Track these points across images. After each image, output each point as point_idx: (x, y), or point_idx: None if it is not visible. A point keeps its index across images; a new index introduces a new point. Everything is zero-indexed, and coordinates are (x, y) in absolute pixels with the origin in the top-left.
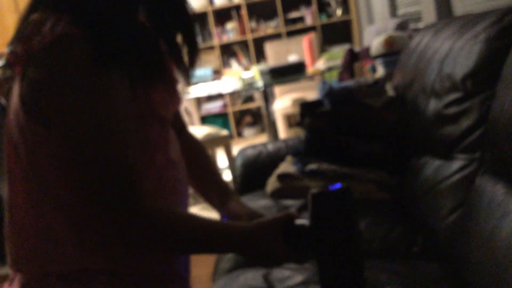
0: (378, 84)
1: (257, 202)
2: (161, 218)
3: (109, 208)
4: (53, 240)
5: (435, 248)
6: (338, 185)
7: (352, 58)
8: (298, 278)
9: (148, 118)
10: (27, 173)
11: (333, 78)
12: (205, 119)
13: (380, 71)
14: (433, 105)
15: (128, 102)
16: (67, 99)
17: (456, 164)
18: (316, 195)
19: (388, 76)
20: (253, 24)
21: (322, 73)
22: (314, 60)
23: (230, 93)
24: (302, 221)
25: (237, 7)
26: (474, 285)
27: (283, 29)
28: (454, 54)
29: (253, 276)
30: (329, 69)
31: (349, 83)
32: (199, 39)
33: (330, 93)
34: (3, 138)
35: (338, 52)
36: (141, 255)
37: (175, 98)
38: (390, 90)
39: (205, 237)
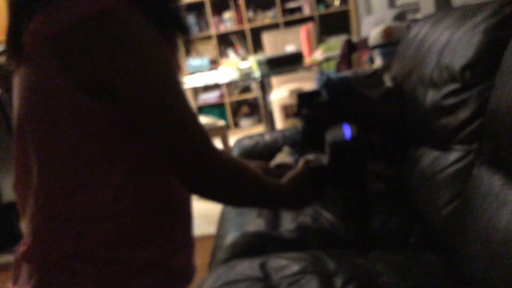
0: (376, 75)
1: None
2: (234, 167)
3: (193, 163)
4: (90, 223)
5: (431, 238)
6: (348, 128)
7: (350, 48)
8: (295, 267)
9: None
10: (71, 154)
11: (330, 69)
12: (202, 110)
13: (378, 62)
14: (431, 96)
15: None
16: (139, 60)
17: (454, 155)
18: (334, 143)
19: (386, 67)
20: (251, 13)
21: (319, 63)
22: (311, 50)
23: (227, 83)
24: (314, 161)
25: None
26: (471, 276)
27: (280, 19)
28: (453, 44)
29: (250, 265)
30: (327, 59)
31: (347, 73)
32: (196, 28)
33: (328, 84)
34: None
35: (336, 43)
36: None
37: (180, 67)
38: (388, 81)
39: (264, 189)
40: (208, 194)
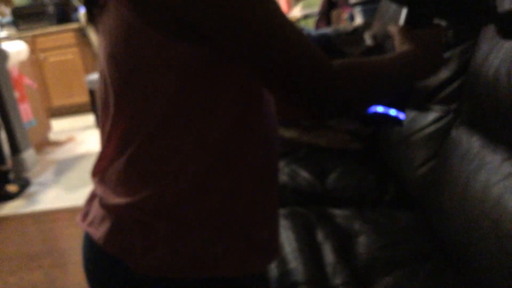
0: (357, 33)
1: None
2: (350, 70)
3: (313, 79)
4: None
5: (407, 197)
6: None
7: (330, 5)
8: None
9: None
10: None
11: (309, 26)
12: None
13: (359, 20)
14: None
15: None
16: None
17: (432, 115)
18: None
19: (366, 25)
20: None
21: (298, 20)
22: (290, 7)
23: None
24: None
25: None
26: (446, 233)
27: None
28: None
29: None
30: (306, 16)
31: (327, 30)
32: None
33: None
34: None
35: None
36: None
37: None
38: (368, 39)
39: (391, 68)
40: (346, 107)
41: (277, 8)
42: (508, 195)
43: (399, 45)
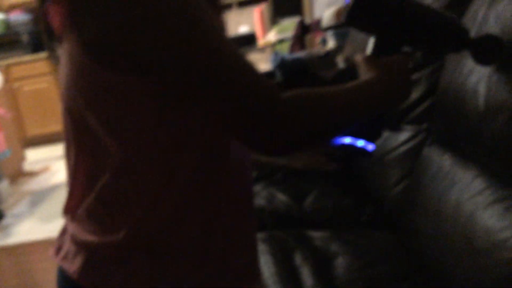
0: (329, 56)
1: None
2: (302, 100)
3: (261, 114)
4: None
5: (383, 217)
6: None
7: (303, 30)
8: None
9: None
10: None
11: (284, 50)
12: None
13: (331, 43)
14: None
15: None
16: (184, 21)
17: (404, 135)
18: None
19: (339, 49)
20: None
21: (273, 45)
22: (265, 31)
23: None
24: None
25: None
26: (421, 251)
27: (234, 0)
28: None
29: None
30: (280, 41)
31: (301, 54)
32: None
33: (282, 65)
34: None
35: (289, 24)
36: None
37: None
38: (341, 62)
39: (351, 96)
40: (300, 140)
41: (224, 42)
42: (480, 212)
43: (364, 74)
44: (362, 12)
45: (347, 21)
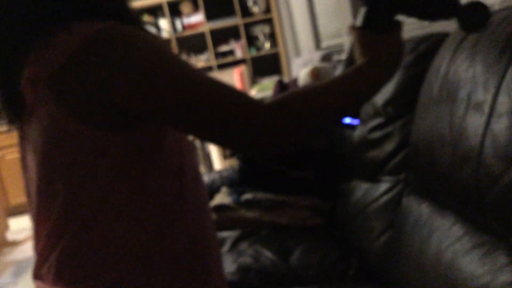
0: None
1: None
2: (288, 104)
3: (245, 126)
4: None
5: (369, 269)
6: None
7: (282, 88)
8: None
9: None
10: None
11: None
12: None
13: None
14: (358, 131)
15: None
16: (158, 60)
17: (383, 186)
18: None
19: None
20: (184, 57)
21: None
22: (245, 91)
23: None
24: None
25: (168, 41)
26: None
27: (213, 62)
28: None
29: None
30: (261, 99)
31: None
32: None
33: None
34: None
35: (269, 83)
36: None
37: None
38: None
39: (339, 86)
40: (284, 144)
41: (194, 71)
42: (459, 259)
43: (359, 57)
44: None
45: None
